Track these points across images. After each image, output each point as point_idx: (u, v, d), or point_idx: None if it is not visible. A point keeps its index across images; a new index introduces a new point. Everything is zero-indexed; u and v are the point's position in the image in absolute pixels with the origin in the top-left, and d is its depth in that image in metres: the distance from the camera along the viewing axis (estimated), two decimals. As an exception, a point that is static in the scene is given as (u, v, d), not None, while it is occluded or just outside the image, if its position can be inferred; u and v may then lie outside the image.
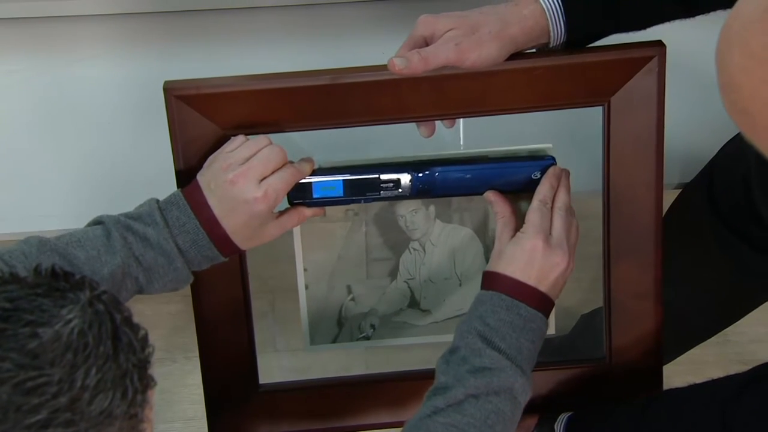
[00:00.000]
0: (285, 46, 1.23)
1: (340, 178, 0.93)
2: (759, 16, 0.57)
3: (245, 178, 0.87)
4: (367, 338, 1.02)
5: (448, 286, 1.01)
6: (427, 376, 1.02)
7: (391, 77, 0.89)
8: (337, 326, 1.01)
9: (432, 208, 0.98)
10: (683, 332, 1.27)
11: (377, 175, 0.93)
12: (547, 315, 0.90)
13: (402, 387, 1.02)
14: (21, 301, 0.61)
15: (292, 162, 0.91)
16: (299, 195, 0.92)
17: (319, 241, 0.99)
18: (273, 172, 0.88)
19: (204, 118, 0.92)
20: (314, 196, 0.92)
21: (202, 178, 0.89)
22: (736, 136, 1.10)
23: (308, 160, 0.93)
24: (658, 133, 0.95)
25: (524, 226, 0.90)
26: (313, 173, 0.92)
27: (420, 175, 0.93)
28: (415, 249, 1.00)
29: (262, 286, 1.71)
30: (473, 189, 0.95)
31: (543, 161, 0.94)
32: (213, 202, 0.87)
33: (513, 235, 0.91)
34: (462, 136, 0.96)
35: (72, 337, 0.60)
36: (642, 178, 0.96)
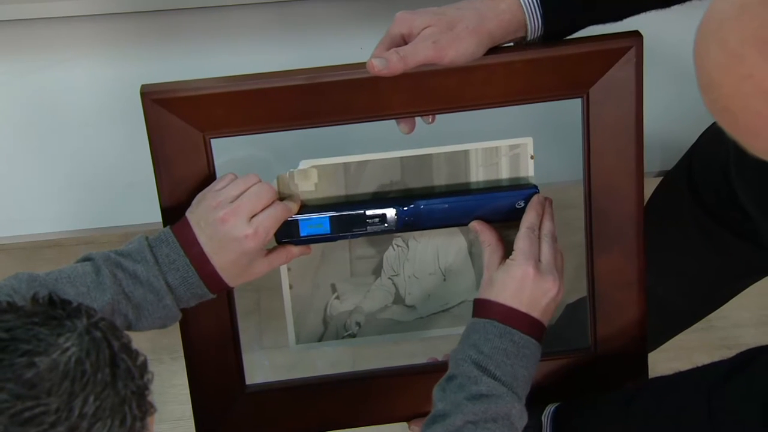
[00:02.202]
0: (264, 43, 1.22)
1: (327, 215, 0.94)
2: (735, 12, 0.57)
3: (235, 215, 0.87)
4: (353, 336, 1.02)
5: (433, 281, 1.01)
6: (415, 371, 1.03)
7: (370, 75, 0.89)
8: (323, 325, 1.01)
9: (414, 204, 0.98)
10: (667, 319, 1.28)
11: (363, 211, 0.94)
12: (539, 340, 0.91)
13: (390, 383, 1.03)
14: (18, 331, 0.61)
15: (281, 199, 0.92)
16: (286, 234, 0.93)
17: (303, 240, 0.98)
18: (262, 210, 0.89)
19: (182, 122, 0.91)
20: (301, 234, 0.94)
21: (191, 215, 0.89)
22: (714, 122, 1.10)
23: (294, 198, 0.94)
24: (637, 123, 0.95)
25: (513, 253, 0.91)
26: (299, 210, 0.93)
27: (405, 209, 0.94)
28: (398, 245, 1.00)
29: (247, 284, 1.70)
30: (458, 220, 0.96)
31: (526, 190, 0.95)
32: (203, 239, 0.88)
33: (501, 263, 0.92)
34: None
35: (69, 365, 0.60)
36: (622, 168, 0.96)
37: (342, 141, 1.00)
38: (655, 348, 1.32)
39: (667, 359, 1.30)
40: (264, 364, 1.62)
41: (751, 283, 1.24)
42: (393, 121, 0.95)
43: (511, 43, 0.93)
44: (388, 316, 1.02)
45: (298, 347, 1.02)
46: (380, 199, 0.96)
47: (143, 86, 0.91)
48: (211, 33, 1.21)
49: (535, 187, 0.96)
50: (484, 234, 0.95)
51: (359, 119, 0.94)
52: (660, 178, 1.22)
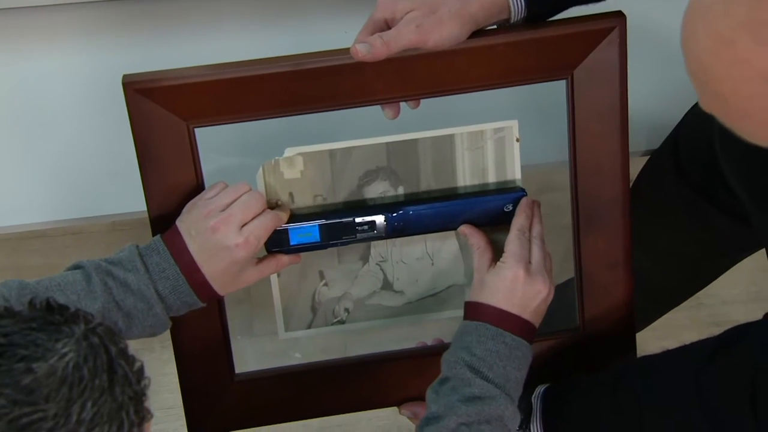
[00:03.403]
0: (248, 29, 1.22)
1: (316, 223, 0.94)
2: None
3: (226, 224, 0.88)
4: (342, 322, 1.02)
5: (421, 266, 1.01)
6: (405, 356, 1.03)
7: (354, 61, 0.89)
8: (311, 312, 1.01)
9: (401, 189, 0.98)
10: (657, 298, 1.29)
11: (352, 218, 0.94)
12: (531, 342, 0.91)
13: (380, 369, 1.03)
14: (15, 336, 0.61)
15: (271, 208, 0.92)
16: (276, 243, 0.93)
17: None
18: (253, 219, 0.89)
19: (166, 111, 0.90)
20: (291, 243, 0.94)
21: (181, 224, 0.89)
22: (700, 101, 1.10)
23: (284, 207, 0.94)
24: (622, 103, 0.95)
25: (504, 255, 0.92)
26: (289, 219, 0.94)
27: (394, 215, 0.95)
28: (386, 231, 1.00)
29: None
30: (447, 224, 0.97)
31: (514, 194, 0.96)
32: (193, 248, 0.88)
33: (490, 265, 0.93)
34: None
35: (67, 371, 0.60)
36: (608, 149, 0.96)
37: (327, 128, 1.00)
38: (645, 327, 1.33)
39: (657, 338, 1.31)
40: (254, 352, 1.62)
41: (739, 260, 1.25)
42: (378, 107, 0.95)
43: (495, 26, 0.93)
44: (377, 302, 1.02)
45: (287, 335, 1.02)
46: (369, 205, 0.96)
47: (125, 76, 0.90)
48: (193, 20, 1.21)
49: (523, 190, 0.97)
50: (473, 237, 0.95)
51: (344, 105, 0.93)
52: (646, 158, 1.22)
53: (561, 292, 1.26)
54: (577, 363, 1.03)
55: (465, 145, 0.96)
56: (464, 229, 0.96)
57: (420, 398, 1.01)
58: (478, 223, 0.96)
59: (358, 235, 0.95)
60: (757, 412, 0.82)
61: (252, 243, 0.88)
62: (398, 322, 1.03)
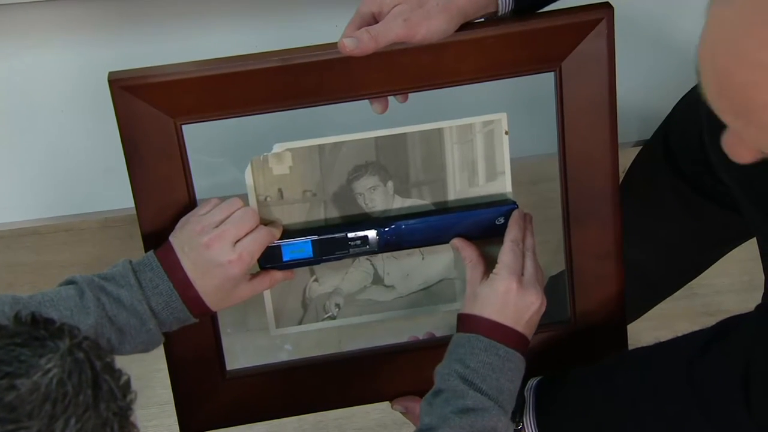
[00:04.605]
0: (236, 24, 1.21)
1: (309, 239, 0.94)
2: (746, 19, 0.53)
3: (220, 241, 0.88)
4: (333, 318, 1.02)
5: (411, 260, 1.01)
6: (396, 351, 1.03)
7: (341, 56, 0.88)
8: (302, 308, 1.01)
9: (390, 184, 0.97)
10: (649, 288, 1.28)
11: (344, 234, 0.95)
12: (524, 354, 0.91)
13: (372, 363, 1.03)
14: None
15: (264, 224, 0.92)
16: (269, 259, 0.93)
17: (279, 223, 0.98)
18: (246, 235, 0.89)
19: (153, 108, 0.90)
20: (284, 259, 0.94)
21: (175, 240, 0.89)
22: (690, 90, 1.10)
23: (277, 223, 0.94)
24: (610, 95, 0.95)
25: (497, 266, 0.92)
26: (281, 234, 0.94)
27: (386, 230, 0.95)
28: (375, 226, 1.00)
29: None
30: (439, 238, 0.97)
31: (506, 206, 0.96)
32: (187, 264, 0.88)
33: (483, 277, 0.93)
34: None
35: (51, 387, 0.60)
36: (597, 140, 0.96)
37: (316, 123, 0.99)
38: (638, 317, 1.33)
39: (651, 328, 1.31)
40: (249, 347, 1.63)
41: (730, 249, 1.25)
42: (366, 102, 0.95)
43: (482, 19, 0.93)
44: (368, 297, 1.02)
45: (278, 332, 1.01)
46: (361, 221, 0.96)
47: (111, 73, 0.90)
48: (182, 15, 1.20)
49: (514, 203, 0.97)
50: (465, 251, 0.95)
51: (332, 100, 0.93)
52: (638, 149, 1.22)
53: (553, 284, 1.26)
54: (569, 355, 1.03)
55: (454, 139, 0.96)
56: (456, 242, 0.97)
57: (412, 393, 1.01)
58: (469, 236, 0.96)
59: (351, 250, 0.95)
60: (749, 403, 0.82)
61: (245, 259, 0.88)
62: (389, 317, 1.02)
